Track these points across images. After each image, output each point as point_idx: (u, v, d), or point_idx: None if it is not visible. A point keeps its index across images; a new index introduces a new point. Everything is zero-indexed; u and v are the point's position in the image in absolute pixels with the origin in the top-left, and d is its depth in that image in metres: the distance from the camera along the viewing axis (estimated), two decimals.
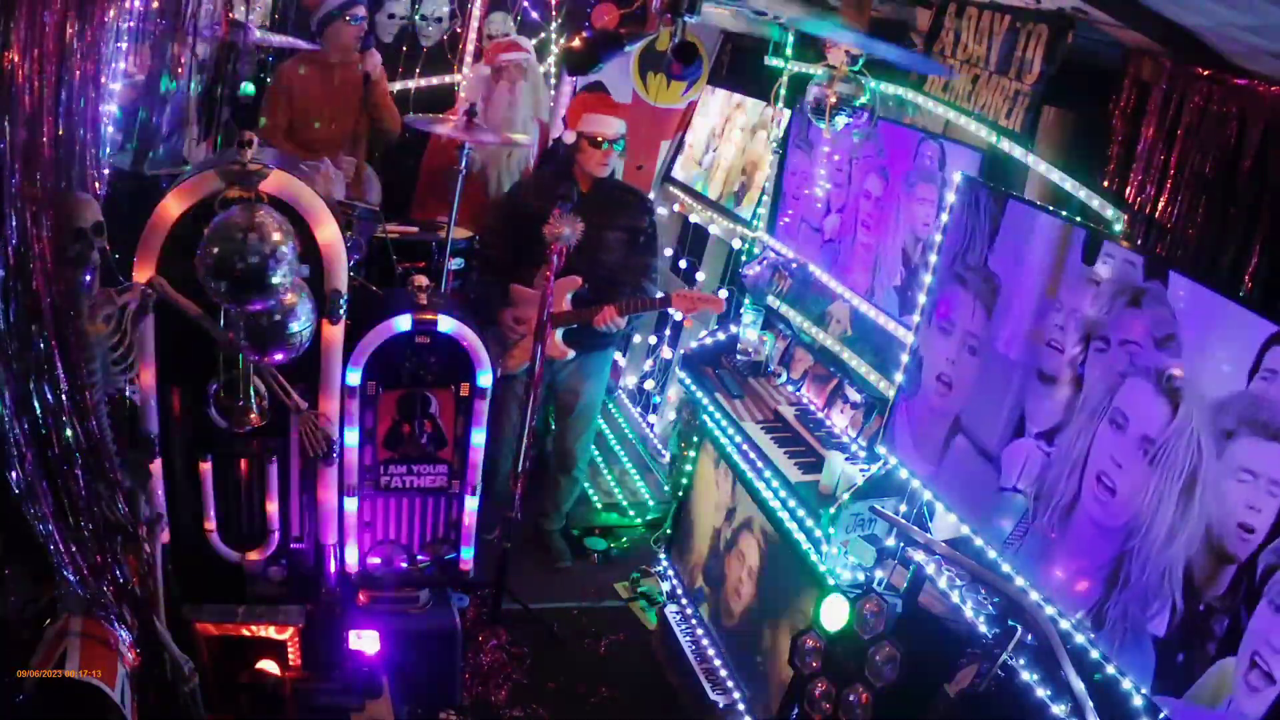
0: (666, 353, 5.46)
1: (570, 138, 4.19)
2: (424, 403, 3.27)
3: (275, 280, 2.49)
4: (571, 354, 4.26)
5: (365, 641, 3.20)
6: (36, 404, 2.09)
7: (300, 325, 2.69)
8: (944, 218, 3.01)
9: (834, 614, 2.96)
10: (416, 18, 5.39)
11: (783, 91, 4.18)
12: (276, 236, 2.49)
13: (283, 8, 5.23)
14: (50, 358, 2.14)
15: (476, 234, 4.69)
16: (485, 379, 3.28)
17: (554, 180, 4.25)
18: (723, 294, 4.68)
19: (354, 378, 3.15)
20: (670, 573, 4.35)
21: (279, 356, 2.71)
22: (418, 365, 3.23)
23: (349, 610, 3.35)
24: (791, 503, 3.34)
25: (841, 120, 3.38)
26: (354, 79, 4.83)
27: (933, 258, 3.05)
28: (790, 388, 3.96)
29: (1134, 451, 2.27)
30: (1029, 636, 2.51)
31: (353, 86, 4.84)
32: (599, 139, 4.12)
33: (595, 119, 4.17)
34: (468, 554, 3.50)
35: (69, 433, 2.19)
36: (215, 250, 2.46)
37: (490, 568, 3.95)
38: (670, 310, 4.40)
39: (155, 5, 3.17)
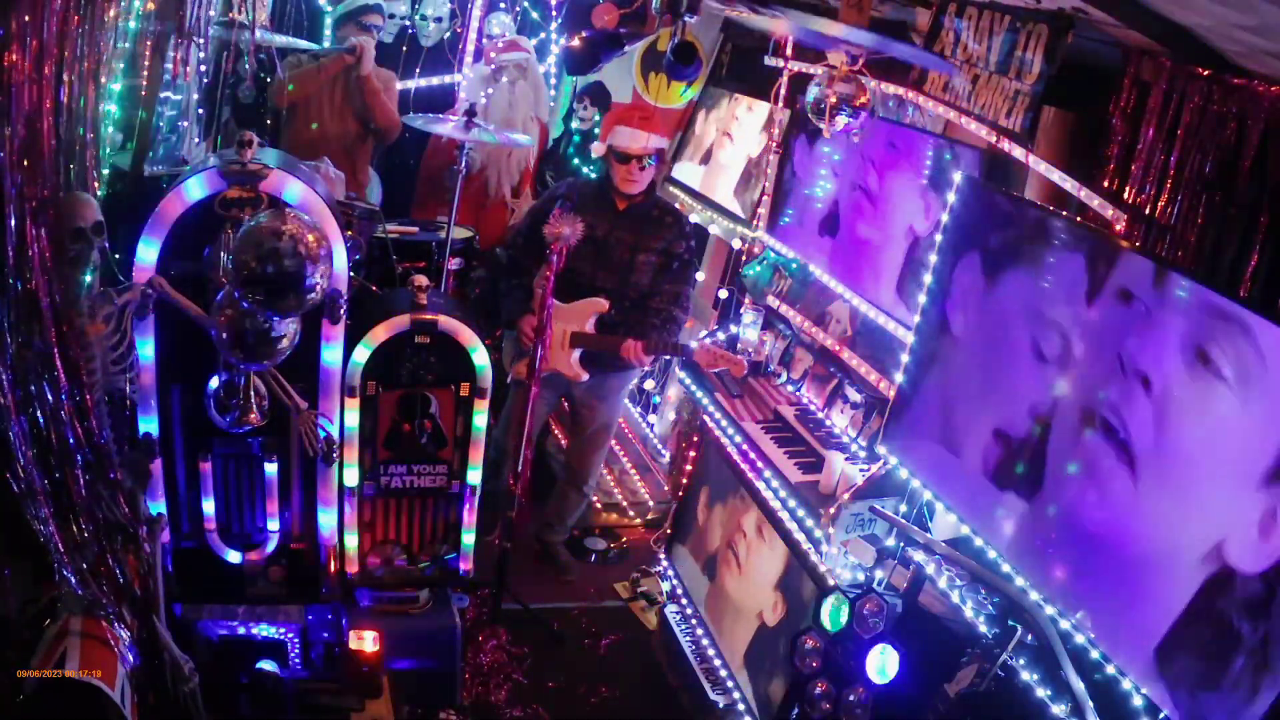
0: None
1: (600, 150, 4.10)
2: (424, 403, 3.27)
3: (311, 283, 2.46)
4: (586, 376, 4.09)
5: (365, 641, 3.20)
6: (36, 404, 2.10)
7: (286, 331, 2.67)
8: (944, 217, 3.01)
9: (834, 614, 2.97)
10: (416, 18, 5.38)
11: (783, 91, 4.18)
12: (311, 239, 2.46)
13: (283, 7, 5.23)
14: (50, 358, 2.14)
15: (476, 234, 4.69)
16: (485, 379, 3.28)
17: (594, 194, 4.11)
18: (723, 294, 4.68)
19: (354, 377, 3.14)
20: (670, 573, 4.35)
21: (264, 362, 2.69)
22: (418, 365, 3.23)
23: (349, 610, 3.35)
24: (791, 503, 3.34)
25: (841, 120, 3.37)
26: (358, 80, 4.82)
27: (933, 257, 3.05)
28: (790, 388, 3.95)
29: None
30: (1029, 636, 2.51)
31: (355, 87, 4.82)
32: (625, 153, 3.96)
33: (623, 132, 4.00)
34: (468, 553, 3.50)
35: (69, 433, 2.19)
36: (249, 257, 2.40)
37: (490, 568, 3.95)
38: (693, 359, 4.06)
39: (150, 6, 3.17)
